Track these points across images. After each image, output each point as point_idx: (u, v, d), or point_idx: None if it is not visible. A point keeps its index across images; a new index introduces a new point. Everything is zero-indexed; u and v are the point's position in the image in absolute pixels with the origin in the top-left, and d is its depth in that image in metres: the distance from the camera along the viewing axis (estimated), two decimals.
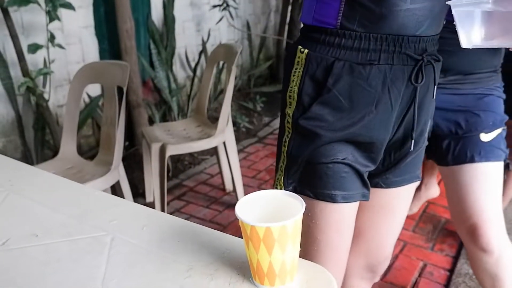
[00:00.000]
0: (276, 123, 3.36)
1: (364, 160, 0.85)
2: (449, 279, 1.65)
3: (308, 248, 0.86)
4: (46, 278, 0.64)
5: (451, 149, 1.18)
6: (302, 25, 0.87)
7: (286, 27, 3.98)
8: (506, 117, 1.20)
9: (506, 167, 1.20)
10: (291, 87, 0.83)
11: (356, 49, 0.78)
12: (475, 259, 1.20)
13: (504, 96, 1.22)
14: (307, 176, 0.84)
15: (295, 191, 0.84)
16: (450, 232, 1.93)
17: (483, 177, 1.14)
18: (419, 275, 1.69)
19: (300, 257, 0.85)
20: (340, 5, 0.77)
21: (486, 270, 1.19)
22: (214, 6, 3.22)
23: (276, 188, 0.87)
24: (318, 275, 0.60)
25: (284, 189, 0.86)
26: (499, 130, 1.17)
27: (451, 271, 1.70)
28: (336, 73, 0.78)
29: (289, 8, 3.90)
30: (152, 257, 0.67)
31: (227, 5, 3.22)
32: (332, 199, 0.82)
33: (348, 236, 0.88)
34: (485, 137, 1.15)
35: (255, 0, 3.95)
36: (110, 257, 0.68)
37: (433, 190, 2.07)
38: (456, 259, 1.76)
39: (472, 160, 1.14)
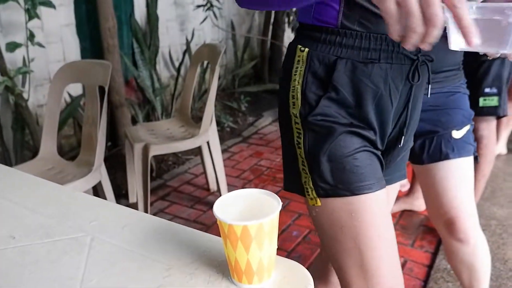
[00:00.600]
0: (261, 122, 3.37)
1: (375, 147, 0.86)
2: (428, 275, 1.69)
3: (362, 249, 0.82)
4: (23, 279, 0.64)
5: (426, 147, 1.22)
6: (298, 25, 0.88)
7: (271, 28, 4.00)
8: (473, 113, 1.25)
9: (475, 159, 1.24)
10: (294, 87, 0.83)
11: (357, 47, 0.79)
12: (452, 251, 1.25)
13: (468, 92, 1.27)
14: (337, 174, 0.81)
15: (327, 195, 0.82)
16: (429, 229, 1.97)
17: (458, 173, 1.19)
18: None
19: (352, 263, 0.82)
20: (340, 6, 0.78)
21: (463, 261, 1.24)
22: (198, 6, 3.22)
23: (307, 192, 0.84)
24: (294, 272, 0.61)
25: (315, 192, 0.83)
26: (468, 126, 1.22)
27: (430, 267, 1.73)
28: (339, 70, 0.79)
29: None
30: (132, 257, 0.67)
31: (211, 5, 3.22)
32: (370, 189, 0.81)
33: (391, 222, 0.86)
34: (456, 134, 1.20)
35: None
36: (89, 257, 0.68)
37: (420, 202, 2.06)
38: (435, 255, 1.80)
39: (446, 157, 1.19)
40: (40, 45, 2.06)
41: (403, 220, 2.06)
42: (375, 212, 0.82)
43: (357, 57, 0.79)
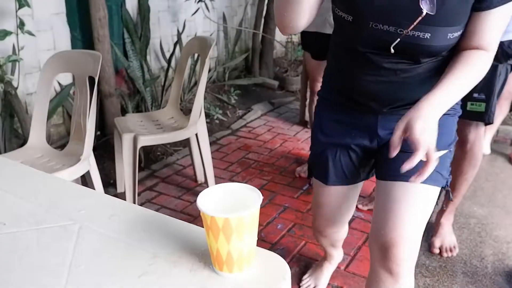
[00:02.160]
0: (250, 116, 3.39)
1: None
2: None
3: None
4: (13, 265, 0.66)
5: (390, 163, 1.03)
6: None
7: (262, 21, 4.01)
8: (454, 139, 1.12)
9: (447, 194, 1.13)
10: None
11: None
12: (378, 282, 1.09)
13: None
14: None
15: None
16: None
17: (413, 197, 1.03)
18: None
19: None
20: None
21: None
22: None
23: None
24: (273, 263, 0.65)
25: None
26: (442, 152, 1.04)
27: None
28: None
29: (266, 1, 3.92)
30: (118, 245, 0.70)
31: None
32: None
33: None
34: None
35: None
36: (77, 245, 0.71)
37: None
38: None
39: (406, 179, 0.97)
40: (30, 33, 2.06)
41: None
42: None
43: None
